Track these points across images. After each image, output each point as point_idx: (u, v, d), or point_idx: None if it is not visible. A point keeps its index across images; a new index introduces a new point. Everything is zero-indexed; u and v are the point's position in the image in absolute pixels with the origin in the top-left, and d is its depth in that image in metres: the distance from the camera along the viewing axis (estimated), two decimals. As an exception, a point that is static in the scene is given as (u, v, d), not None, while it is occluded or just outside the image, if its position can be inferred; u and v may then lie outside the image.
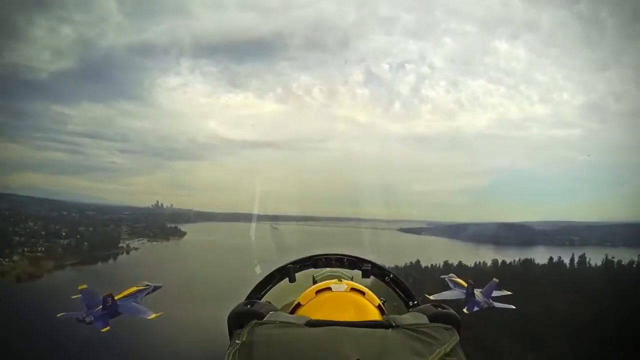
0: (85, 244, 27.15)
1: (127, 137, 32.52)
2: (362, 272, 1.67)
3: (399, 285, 1.68)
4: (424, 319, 0.99)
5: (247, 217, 29.62)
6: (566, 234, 29.83)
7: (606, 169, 29.19)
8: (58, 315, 15.08)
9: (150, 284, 19.16)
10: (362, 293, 1.29)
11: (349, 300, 1.26)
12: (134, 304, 17.57)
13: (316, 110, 33.86)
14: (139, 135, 33.06)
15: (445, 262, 26.29)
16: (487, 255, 27.61)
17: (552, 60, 30.51)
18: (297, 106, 33.66)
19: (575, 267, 26.69)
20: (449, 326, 0.94)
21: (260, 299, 1.57)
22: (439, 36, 33.88)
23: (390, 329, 0.91)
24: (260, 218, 29.57)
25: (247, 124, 34.79)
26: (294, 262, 1.72)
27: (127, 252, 29.13)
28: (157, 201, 30.72)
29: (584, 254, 26.76)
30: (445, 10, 31.42)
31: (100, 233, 28.32)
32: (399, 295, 1.67)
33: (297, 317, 1.00)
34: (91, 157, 31.03)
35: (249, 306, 1.08)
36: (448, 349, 0.83)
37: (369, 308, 1.25)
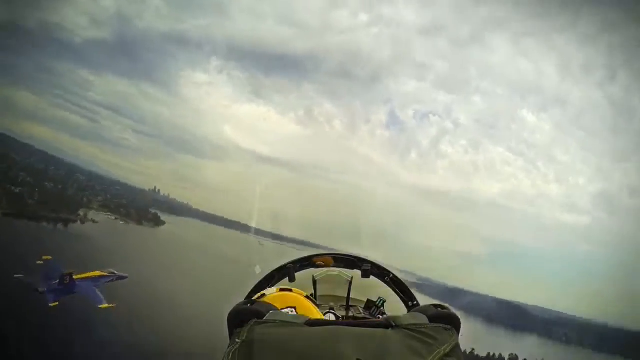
0: (35, 199, 23.81)
1: (144, 118, 31.88)
2: (361, 272, 1.69)
3: (399, 286, 1.66)
4: (423, 319, 0.97)
5: (237, 225, 28.27)
6: (562, 326, 28.07)
7: (609, 265, 28.16)
8: (15, 276, 14.78)
9: (115, 272, 18.58)
10: (290, 290, 1.39)
11: (281, 297, 1.33)
12: (93, 288, 17.36)
13: (334, 141, 33.53)
14: (156, 120, 32.47)
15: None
16: (500, 345, 24.64)
17: (576, 141, 30.32)
18: (315, 132, 33.40)
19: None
20: (449, 327, 0.93)
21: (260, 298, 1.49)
22: (468, 93, 34.10)
23: (390, 329, 0.90)
24: (248, 229, 28.22)
25: (263, 137, 34.28)
26: (294, 262, 1.70)
27: (82, 222, 25.89)
28: (155, 187, 29.14)
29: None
30: (480, 67, 31.86)
31: (68, 195, 25.71)
32: (399, 296, 1.65)
33: (297, 317, 1.01)
34: (105, 129, 30.17)
35: (249, 305, 1.06)
36: (448, 350, 0.83)
37: (296, 298, 1.34)
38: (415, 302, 1.66)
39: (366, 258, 1.72)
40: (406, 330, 0.88)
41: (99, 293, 17.15)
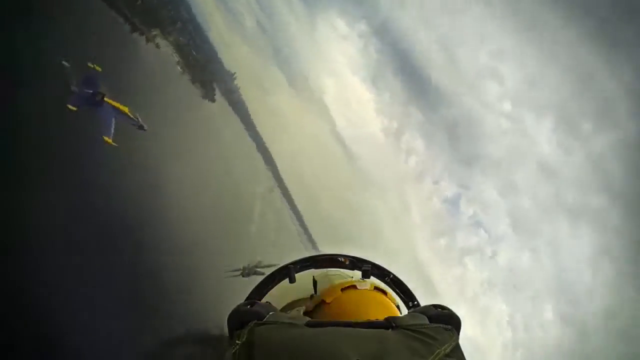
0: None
1: (272, 17, 29.27)
2: (362, 273, 1.69)
3: (400, 286, 1.69)
4: (424, 320, 0.97)
5: (268, 158, 27.01)
6: None
7: None
8: (62, 62, 13.81)
9: (139, 119, 17.47)
10: (384, 292, 1.40)
11: (374, 298, 1.33)
12: (112, 118, 16.72)
13: (397, 170, 31.60)
14: (279, 27, 29.84)
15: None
16: None
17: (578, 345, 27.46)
18: (390, 150, 31.45)
19: None
20: (449, 327, 0.93)
21: (260, 299, 1.53)
22: (523, 245, 30.99)
23: (390, 330, 0.90)
24: (272, 170, 27.04)
25: (348, 116, 32.08)
26: (294, 263, 1.70)
27: (147, 40, 22.30)
28: (236, 73, 27.34)
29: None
30: (551, 239, 28.87)
31: (160, 12, 23.67)
32: (399, 296, 1.68)
33: (297, 317, 1.00)
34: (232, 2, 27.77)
35: (249, 306, 1.05)
36: (448, 350, 0.83)
37: (391, 306, 1.33)
38: (415, 303, 1.62)
39: (366, 259, 1.68)
40: (406, 331, 0.86)
41: (113, 126, 16.34)
